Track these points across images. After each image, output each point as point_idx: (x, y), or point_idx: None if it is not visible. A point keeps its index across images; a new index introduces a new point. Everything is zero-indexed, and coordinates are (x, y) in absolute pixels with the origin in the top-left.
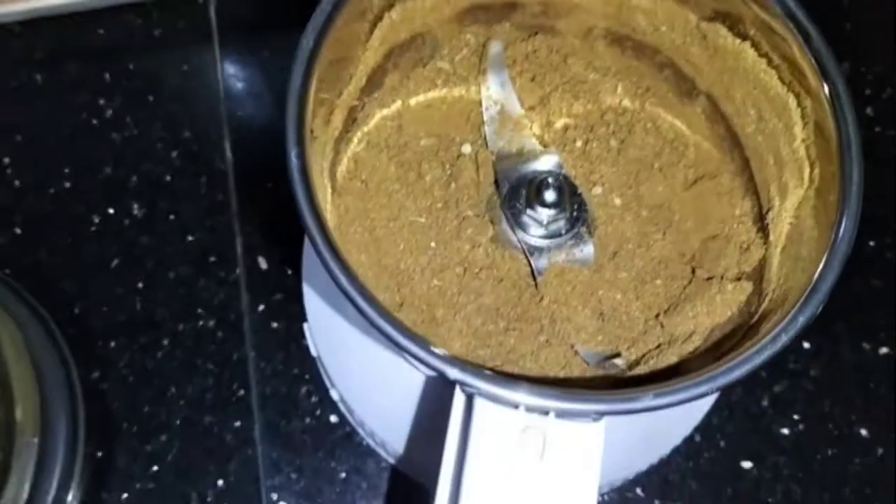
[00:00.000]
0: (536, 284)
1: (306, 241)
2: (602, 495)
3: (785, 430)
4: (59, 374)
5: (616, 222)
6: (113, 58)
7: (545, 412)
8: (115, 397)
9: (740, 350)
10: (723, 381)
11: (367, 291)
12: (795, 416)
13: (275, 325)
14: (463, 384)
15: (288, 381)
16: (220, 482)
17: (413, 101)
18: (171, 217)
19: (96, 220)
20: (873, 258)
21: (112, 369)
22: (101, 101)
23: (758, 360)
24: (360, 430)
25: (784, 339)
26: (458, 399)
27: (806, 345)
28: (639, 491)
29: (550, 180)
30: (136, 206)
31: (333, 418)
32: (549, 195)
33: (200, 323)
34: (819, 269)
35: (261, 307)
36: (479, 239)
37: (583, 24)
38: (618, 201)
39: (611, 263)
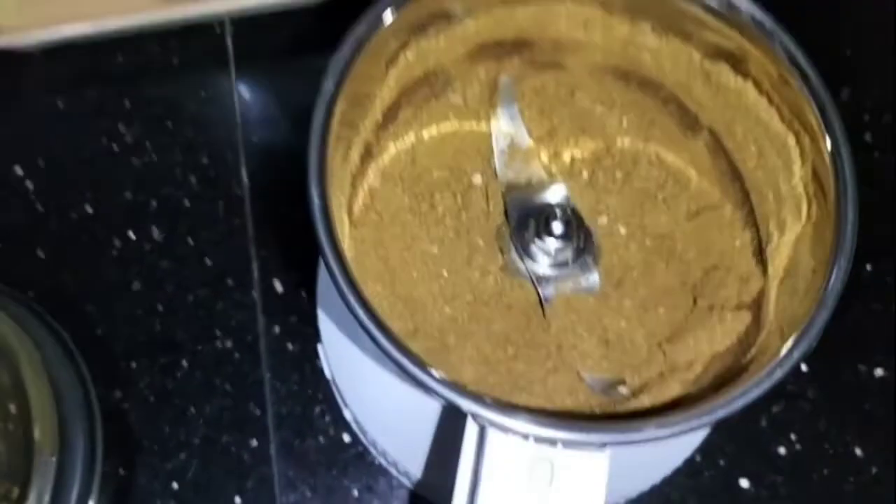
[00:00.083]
0: (544, 312)
1: (321, 267)
2: None
3: (782, 450)
4: (78, 393)
5: (621, 251)
6: (133, 85)
7: (553, 442)
8: (136, 417)
9: (738, 383)
10: (721, 413)
11: (389, 331)
12: (793, 437)
13: (290, 346)
14: (476, 416)
15: (303, 402)
16: (238, 499)
17: (426, 135)
18: (190, 241)
19: (117, 243)
20: (871, 282)
21: (133, 389)
22: (122, 127)
23: (754, 394)
24: (372, 450)
25: (779, 373)
26: (471, 429)
27: (804, 367)
28: None
29: (558, 212)
30: (155, 230)
31: (347, 438)
32: (557, 227)
33: (218, 344)
34: (813, 308)
35: (276, 329)
36: (489, 267)
37: (590, 61)
38: (623, 231)
39: (616, 292)
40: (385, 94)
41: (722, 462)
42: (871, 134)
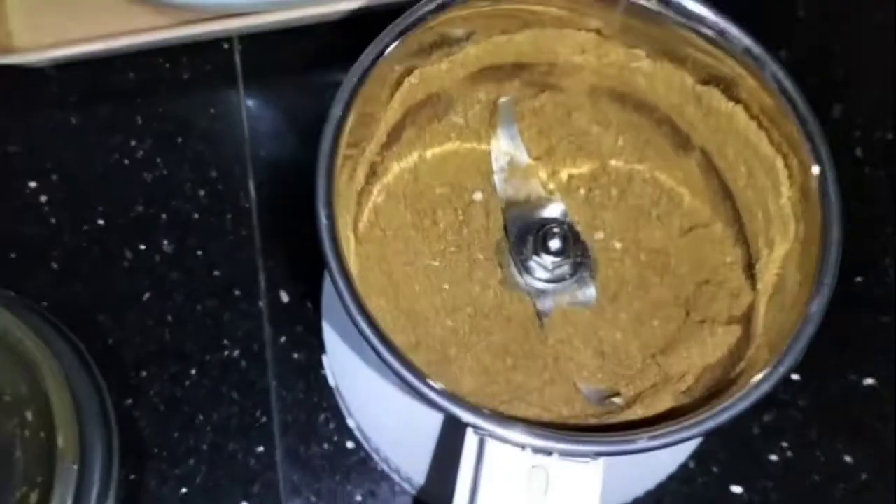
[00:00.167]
0: (542, 325)
1: (326, 280)
2: None
3: (774, 457)
4: (95, 402)
5: (616, 266)
6: (144, 101)
7: (549, 453)
8: (146, 424)
9: (726, 395)
10: (711, 425)
11: (392, 345)
12: (784, 444)
13: (295, 355)
14: (476, 427)
15: (308, 409)
16: None
17: (429, 154)
18: (199, 253)
19: (128, 255)
20: (861, 294)
21: (143, 397)
22: (133, 143)
23: (741, 407)
24: (375, 456)
25: (765, 387)
26: (471, 439)
27: (795, 376)
28: None
29: (556, 229)
30: (165, 242)
31: (350, 444)
32: (555, 244)
33: (226, 353)
34: (799, 324)
35: (282, 339)
36: (488, 281)
37: (586, 83)
38: (618, 246)
39: (611, 305)
40: (390, 116)
41: (715, 468)
42: (862, 149)
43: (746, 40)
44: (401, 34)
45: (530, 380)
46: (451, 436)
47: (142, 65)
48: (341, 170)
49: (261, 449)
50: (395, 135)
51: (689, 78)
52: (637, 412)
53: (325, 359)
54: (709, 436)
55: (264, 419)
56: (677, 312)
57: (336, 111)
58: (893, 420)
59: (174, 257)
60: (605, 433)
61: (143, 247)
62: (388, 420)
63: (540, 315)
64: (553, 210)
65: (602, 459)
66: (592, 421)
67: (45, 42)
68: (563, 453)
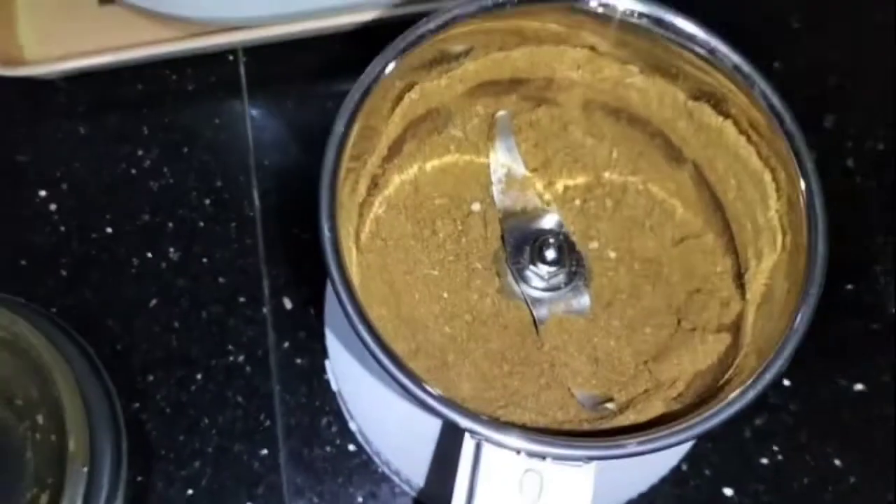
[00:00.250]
0: (538, 332)
1: (328, 289)
2: None
3: (765, 460)
4: (105, 406)
5: (610, 275)
6: (150, 111)
7: (543, 457)
8: (153, 427)
9: (715, 401)
10: (699, 430)
11: (393, 354)
12: (775, 447)
13: (299, 361)
14: (472, 432)
15: (310, 413)
16: None
17: (428, 166)
18: (204, 260)
19: (136, 262)
20: (851, 301)
21: (151, 401)
22: (140, 152)
23: (728, 413)
24: (376, 459)
25: (751, 394)
26: (468, 443)
27: (786, 382)
28: None
29: (551, 240)
30: (172, 250)
31: (352, 447)
32: (550, 254)
33: (231, 359)
34: (785, 333)
35: (286, 344)
36: (486, 290)
37: (581, 98)
38: (612, 255)
39: (605, 313)
40: (391, 129)
41: (707, 471)
42: (854, 160)
43: (736, 58)
44: (402, 52)
45: (526, 385)
46: (450, 440)
47: (149, 76)
48: (344, 182)
49: (265, 451)
50: (395, 148)
51: (681, 94)
52: (629, 417)
53: (327, 364)
54: (700, 439)
55: (268, 423)
56: (669, 320)
57: (339, 127)
58: (882, 425)
59: (180, 265)
60: (597, 438)
61: (149, 254)
62: (389, 424)
63: (536, 322)
64: (549, 221)
65: (594, 463)
66: (586, 426)
67: (54, 54)
68: (556, 457)
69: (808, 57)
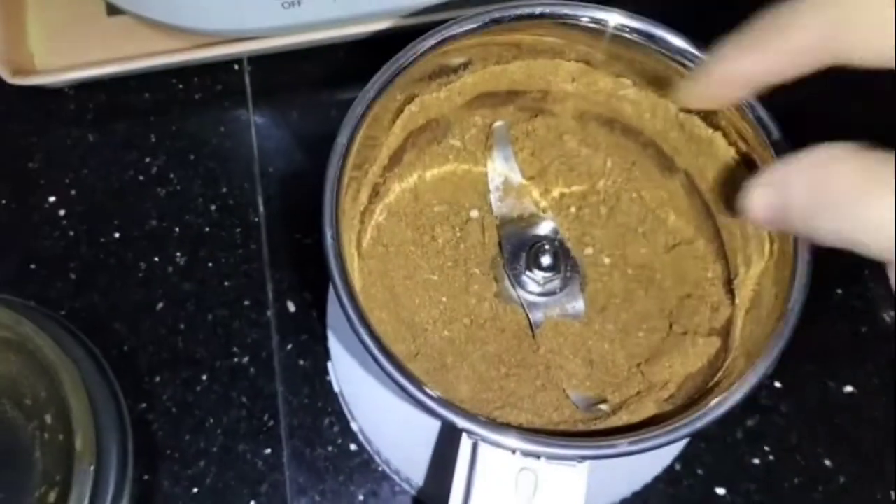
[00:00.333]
0: (534, 335)
1: (330, 293)
2: None
3: (756, 461)
4: (111, 407)
5: (605, 280)
6: (158, 119)
7: (537, 456)
8: (159, 427)
9: (704, 403)
10: (688, 430)
11: (393, 357)
12: (766, 448)
13: (301, 362)
14: (469, 432)
15: (313, 414)
16: (253, 503)
17: (428, 174)
18: (210, 265)
19: (143, 266)
20: (840, 305)
21: (157, 402)
22: (147, 159)
23: (717, 413)
24: (377, 458)
25: (739, 395)
26: (465, 444)
27: (777, 384)
28: None
29: (547, 247)
30: (178, 254)
31: (353, 447)
32: (546, 260)
33: (235, 360)
34: (772, 339)
35: (289, 346)
36: (484, 294)
37: (576, 109)
38: (607, 261)
39: (599, 316)
40: (392, 140)
41: (700, 471)
42: None
43: None
44: (402, 67)
45: (523, 387)
46: (448, 440)
47: (156, 85)
48: (346, 191)
49: (268, 451)
50: (396, 157)
51: (672, 106)
52: (622, 418)
53: (329, 366)
54: (693, 440)
55: (272, 423)
56: (661, 324)
57: (341, 139)
58: (871, 426)
59: (186, 269)
60: (591, 438)
61: (156, 259)
62: (390, 425)
63: (532, 326)
64: (545, 227)
65: (587, 462)
66: (580, 426)
67: (64, 64)
68: (550, 457)
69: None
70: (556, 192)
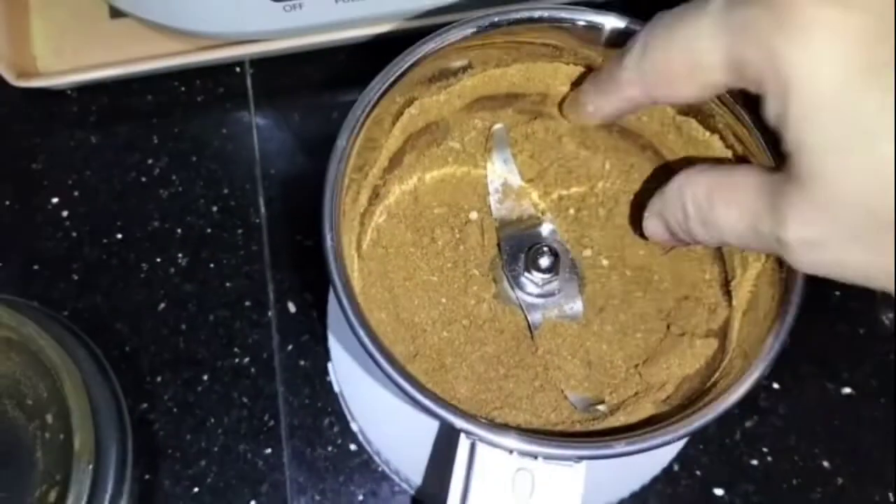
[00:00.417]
0: (532, 336)
1: (330, 293)
2: None
3: (754, 462)
4: (111, 406)
5: (603, 281)
6: (160, 121)
7: (534, 456)
8: (161, 427)
9: (700, 404)
10: (684, 431)
11: (392, 358)
12: (764, 449)
13: (302, 363)
14: (467, 432)
15: (313, 414)
16: (253, 503)
17: (428, 177)
18: (211, 265)
19: (145, 267)
20: (838, 306)
21: (158, 402)
22: (150, 161)
23: (713, 414)
24: (376, 458)
25: (735, 397)
26: (463, 444)
27: (775, 385)
28: None
29: (546, 248)
30: (180, 255)
31: (353, 447)
32: (544, 261)
33: (236, 361)
34: (767, 341)
35: (290, 347)
36: (483, 295)
37: None
38: (605, 262)
39: (597, 318)
40: (391, 143)
41: (698, 472)
42: None
43: None
44: (402, 71)
45: (521, 387)
46: (446, 440)
47: (158, 87)
48: (346, 193)
49: (269, 451)
50: (396, 159)
51: (670, 109)
52: (620, 419)
53: (330, 366)
54: (692, 441)
55: (272, 423)
56: (659, 325)
57: (341, 142)
58: (869, 427)
59: (188, 270)
60: (587, 438)
61: (158, 259)
62: (389, 425)
63: (531, 327)
64: (544, 229)
65: (584, 463)
66: (578, 427)
67: (67, 66)
68: (547, 457)
69: None
70: (554, 195)
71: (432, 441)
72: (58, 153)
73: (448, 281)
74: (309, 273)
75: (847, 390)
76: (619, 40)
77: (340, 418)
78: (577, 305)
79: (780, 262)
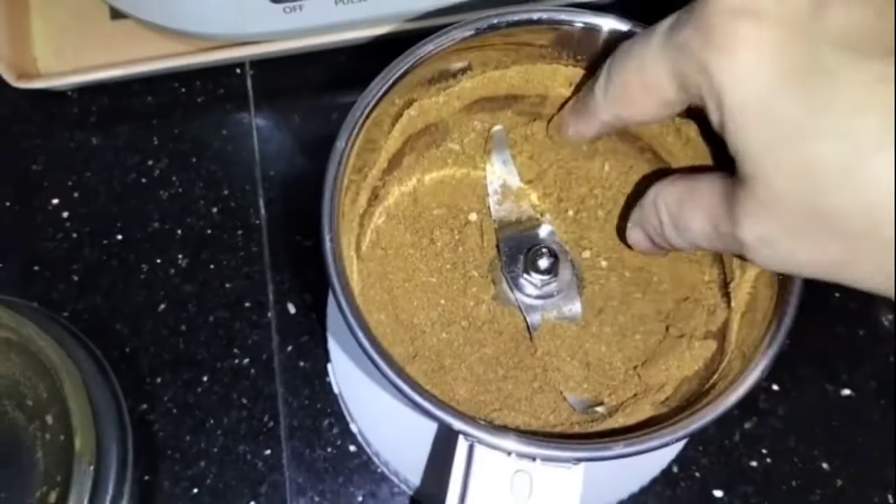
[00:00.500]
0: (531, 338)
1: (330, 296)
2: None
3: (754, 463)
4: (111, 407)
5: (602, 283)
6: (160, 122)
7: (532, 458)
8: (160, 428)
9: (699, 405)
10: (682, 433)
11: (391, 360)
12: (763, 451)
13: (302, 364)
14: (466, 434)
15: (313, 415)
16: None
17: (427, 178)
18: (211, 266)
19: (145, 268)
20: (838, 308)
21: (158, 403)
22: (150, 162)
23: (712, 416)
24: (375, 460)
25: (733, 398)
26: (461, 445)
27: (775, 386)
28: None
29: (545, 250)
30: (180, 256)
31: (353, 448)
32: (543, 263)
33: (236, 362)
34: (765, 343)
35: (289, 348)
36: (482, 297)
37: None
38: (604, 264)
39: (596, 319)
40: (391, 144)
41: (697, 473)
42: None
43: None
44: (401, 73)
45: (520, 389)
46: (445, 442)
47: (158, 89)
48: (345, 195)
49: (268, 452)
50: (395, 161)
51: None
52: (618, 420)
53: (329, 367)
54: (690, 442)
55: (272, 424)
56: (658, 327)
57: (340, 143)
58: (868, 429)
59: (188, 271)
60: (585, 440)
61: (158, 260)
62: (389, 426)
63: (530, 329)
64: (543, 231)
65: (582, 465)
66: (577, 428)
67: (68, 67)
68: (546, 459)
69: None
70: (553, 196)
71: (431, 442)
72: (58, 154)
73: (447, 282)
74: (309, 274)
75: (846, 392)
76: (618, 42)
77: (340, 419)
78: (575, 307)
79: None
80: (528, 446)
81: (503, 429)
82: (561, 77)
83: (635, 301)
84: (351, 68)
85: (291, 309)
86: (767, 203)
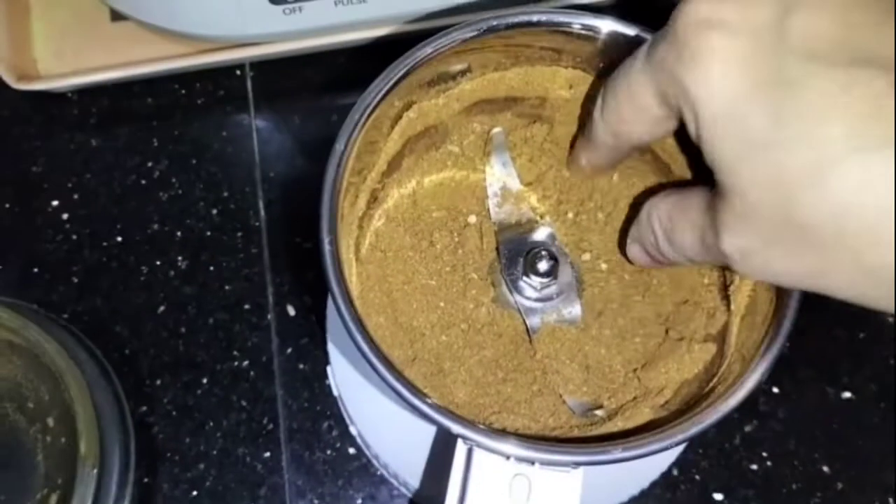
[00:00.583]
0: (531, 340)
1: (330, 300)
2: None
3: (754, 466)
4: (114, 410)
5: (602, 285)
6: (160, 124)
7: (531, 462)
8: (160, 430)
9: (698, 409)
10: (681, 437)
11: (390, 364)
12: (764, 454)
13: (301, 366)
14: (465, 438)
15: (312, 417)
16: None
17: (426, 180)
18: (211, 268)
19: (145, 270)
20: (838, 311)
21: (158, 405)
22: (150, 164)
23: (712, 419)
24: (375, 462)
25: (733, 402)
26: (460, 449)
27: (775, 389)
28: None
29: (544, 253)
30: (179, 258)
31: (352, 451)
32: (543, 266)
33: (235, 364)
34: (765, 346)
35: (289, 350)
36: (481, 299)
37: (573, 115)
38: (604, 266)
39: (596, 322)
40: (390, 146)
41: (697, 476)
42: None
43: None
44: (400, 75)
45: (519, 392)
46: (444, 445)
47: (158, 90)
48: (344, 197)
49: (268, 454)
50: (395, 163)
51: None
52: (618, 424)
53: (329, 370)
54: (690, 445)
55: (271, 426)
56: (658, 330)
57: (339, 146)
58: (869, 432)
59: (188, 272)
60: (584, 444)
61: (158, 262)
62: (388, 429)
63: (529, 331)
64: (542, 233)
65: (581, 469)
66: (576, 431)
67: (68, 69)
68: (544, 462)
69: None
70: (553, 198)
71: (430, 445)
72: (58, 156)
73: (447, 285)
74: (308, 276)
75: (847, 394)
76: (616, 44)
77: (339, 422)
78: (575, 310)
79: None
80: (527, 450)
81: (502, 432)
82: (560, 79)
83: (635, 304)
84: (350, 70)
85: (291, 311)
86: (744, 214)
